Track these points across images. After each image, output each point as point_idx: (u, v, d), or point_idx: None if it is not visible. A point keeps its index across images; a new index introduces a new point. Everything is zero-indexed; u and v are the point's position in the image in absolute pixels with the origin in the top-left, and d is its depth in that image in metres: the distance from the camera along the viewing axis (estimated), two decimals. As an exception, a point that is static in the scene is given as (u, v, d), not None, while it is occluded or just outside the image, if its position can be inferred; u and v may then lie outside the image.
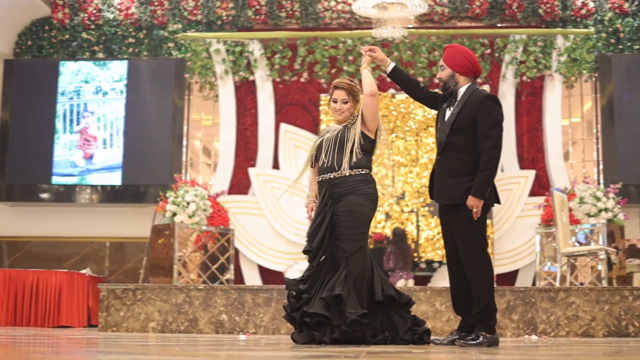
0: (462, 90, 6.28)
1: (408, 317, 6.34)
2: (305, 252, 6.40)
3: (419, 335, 6.26)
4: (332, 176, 6.34)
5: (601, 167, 13.96)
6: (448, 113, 6.28)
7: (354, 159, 6.31)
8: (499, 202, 6.25)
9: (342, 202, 6.29)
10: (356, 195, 6.28)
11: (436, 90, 6.76)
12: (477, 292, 6.03)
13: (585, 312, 9.03)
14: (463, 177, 6.09)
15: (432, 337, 6.55)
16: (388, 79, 8.13)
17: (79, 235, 14.30)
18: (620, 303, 9.04)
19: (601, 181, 13.66)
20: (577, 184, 11.75)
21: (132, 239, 14.14)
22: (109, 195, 14.14)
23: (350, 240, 6.24)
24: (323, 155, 6.41)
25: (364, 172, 6.35)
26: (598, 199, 11.31)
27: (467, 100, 6.17)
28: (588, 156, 14.32)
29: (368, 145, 6.42)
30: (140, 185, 14.09)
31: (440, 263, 13.49)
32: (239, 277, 13.41)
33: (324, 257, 6.30)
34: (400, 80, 6.63)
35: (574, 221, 11.38)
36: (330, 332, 6.06)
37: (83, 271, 13.02)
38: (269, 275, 13.79)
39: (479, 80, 6.70)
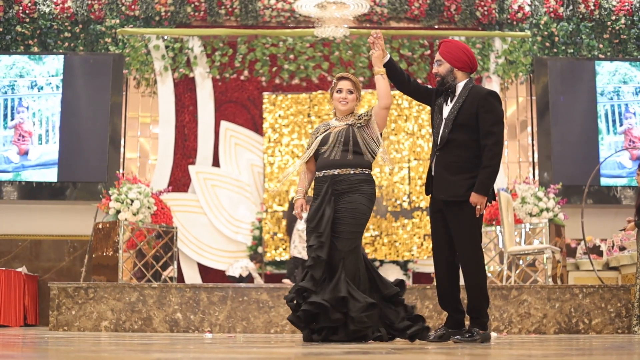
0: (460, 86, 6.23)
1: (400, 306, 6.28)
2: (312, 263, 6.09)
3: (414, 331, 6.19)
4: (336, 172, 6.21)
5: (537, 167, 14.26)
6: (446, 109, 6.22)
7: (364, 160, 6.27)
8: (494, 199, 6.28)
9: (345, 199, 6.18)
10: (359, 194, 6.19)
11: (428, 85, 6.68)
12: (471, 289, 6.04)
13: (537, 310, 9.20)
14: (465, 173, 6.04)
15: None
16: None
17: (12, 233, 13.97)
18: (571, 301, 9.23)
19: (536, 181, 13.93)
20: (517, 184, 11.93)
21: (67, 237, 13.87)
22: (44, 192, 13.86)
23: (347, 239, 6.11)
24: (329, 150, 6.28)
25: (366, 172, 6.28)
26: (539, 199, 11.50)
27: (468, 96, 6.12)
28: (522, 156, 14.59)
29: (375, 148, 6.30)
30: (77, 182, 13.87)
31: (382, 262, 13.60)
32: (178, 276, 13.26)
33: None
34: (394, 73, 6.42)
35: (516, 221, 11.56)
36: (338, 332, 6.02)
37: (19, 269, 12.75)
38: (208, 274, 13.72)
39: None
